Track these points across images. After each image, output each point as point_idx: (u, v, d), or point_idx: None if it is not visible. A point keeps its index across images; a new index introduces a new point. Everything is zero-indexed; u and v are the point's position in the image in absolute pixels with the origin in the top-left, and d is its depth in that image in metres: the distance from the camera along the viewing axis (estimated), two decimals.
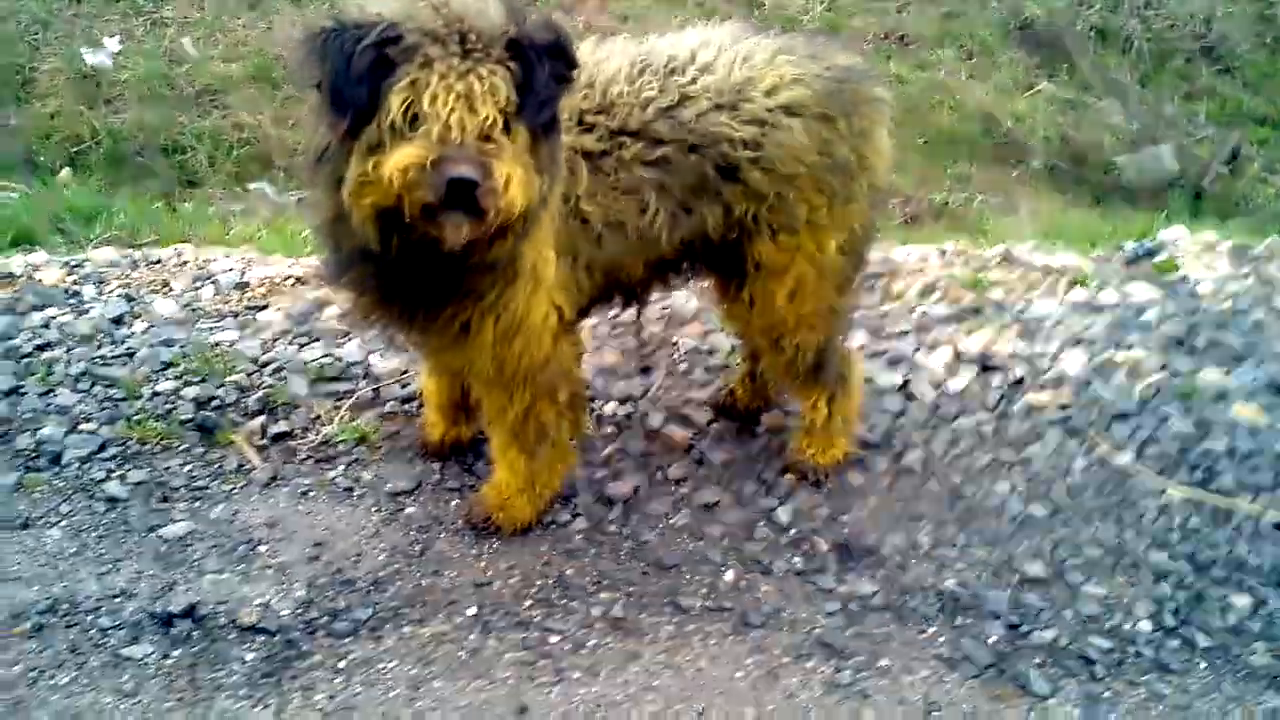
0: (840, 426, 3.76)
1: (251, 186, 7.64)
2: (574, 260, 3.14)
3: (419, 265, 2.76)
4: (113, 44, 8.70)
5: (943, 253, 5.35)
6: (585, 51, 3.19)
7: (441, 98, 2.55)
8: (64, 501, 3.55)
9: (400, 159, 2.54)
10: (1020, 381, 4.25)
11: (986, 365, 4.34)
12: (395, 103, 2.56)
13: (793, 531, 3.56)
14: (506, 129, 2.62)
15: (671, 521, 3.58)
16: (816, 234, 3.32)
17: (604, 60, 3.18)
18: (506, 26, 2.64)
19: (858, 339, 4.36)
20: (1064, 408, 4.11)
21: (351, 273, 2.97)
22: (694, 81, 3.16)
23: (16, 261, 4.91)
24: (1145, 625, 3.27)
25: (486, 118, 2.57)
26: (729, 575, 3.38)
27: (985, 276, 5.02)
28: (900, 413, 4.11)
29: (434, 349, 3.28)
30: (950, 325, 4.63)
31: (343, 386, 4.10)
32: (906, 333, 4.57)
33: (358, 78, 2.58)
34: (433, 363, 3.58)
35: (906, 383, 4.23)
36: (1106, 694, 3.06)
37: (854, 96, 3.31)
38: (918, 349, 4.44)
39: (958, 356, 4.40)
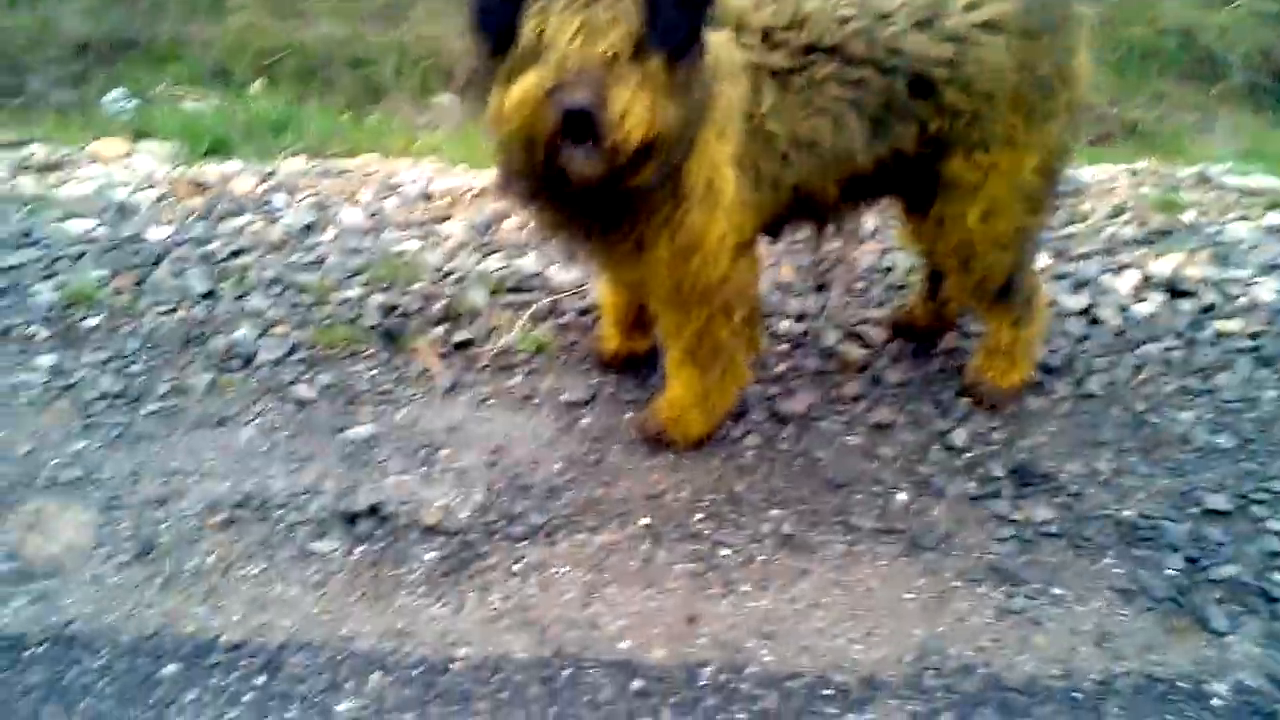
0: (1023, 350, 3.68)
1: (435, 99, 7.75)
2: (757, 178, 3.11)
3: (568, 190, 2.77)
4: None
5: (1133, 173, 5.18)
6: None
7: (565, 24, 2.53)
8: (256, 401, 3.70)
9: (519, 89, 2.55)
10: (1210, 308, 4.11)
11: (1175, 290, 4.20)
12: (528, 28, 2.57)
13: (967, 455, 3.51)
14: (637, 56, 2.59)
15: (845, 440, 3.56)
16: (1013, 152, 3.22)
17: None
18: None
19: (1042, 260, 4.25)
20: (1255, 336, 3.96)
21: (520, 184, 2.99)
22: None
23: (211, 170, 5.09)
24: None
25: (610, 44, 2.54)
26: (901, 497, 3.36)
27: (1178, 198, 4.85)
28: (1084, 337, 4.01)
29: (610, 265, 3.31)
30: (1139, 248, 4.49)
31: (522, 297, 4.16)
32: (1093, 255, 4.45)
33: (500, 1, 2.60)
34: (609, 277, 3.61)
35: (1091, 306, 4.12)
36: None
37: (1056, 12, 3.19)
38: (1104, 272, 4.32)
39: (1146, 280, 4.27)
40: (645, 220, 2.98)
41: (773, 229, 3.44)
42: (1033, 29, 3.12)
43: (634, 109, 2.53)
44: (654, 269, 3.09)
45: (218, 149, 5.77)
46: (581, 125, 2.52)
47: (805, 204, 3.30)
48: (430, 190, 4.94)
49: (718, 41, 2.91)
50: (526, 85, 2.54)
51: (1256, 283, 4.21)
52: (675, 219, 2.98)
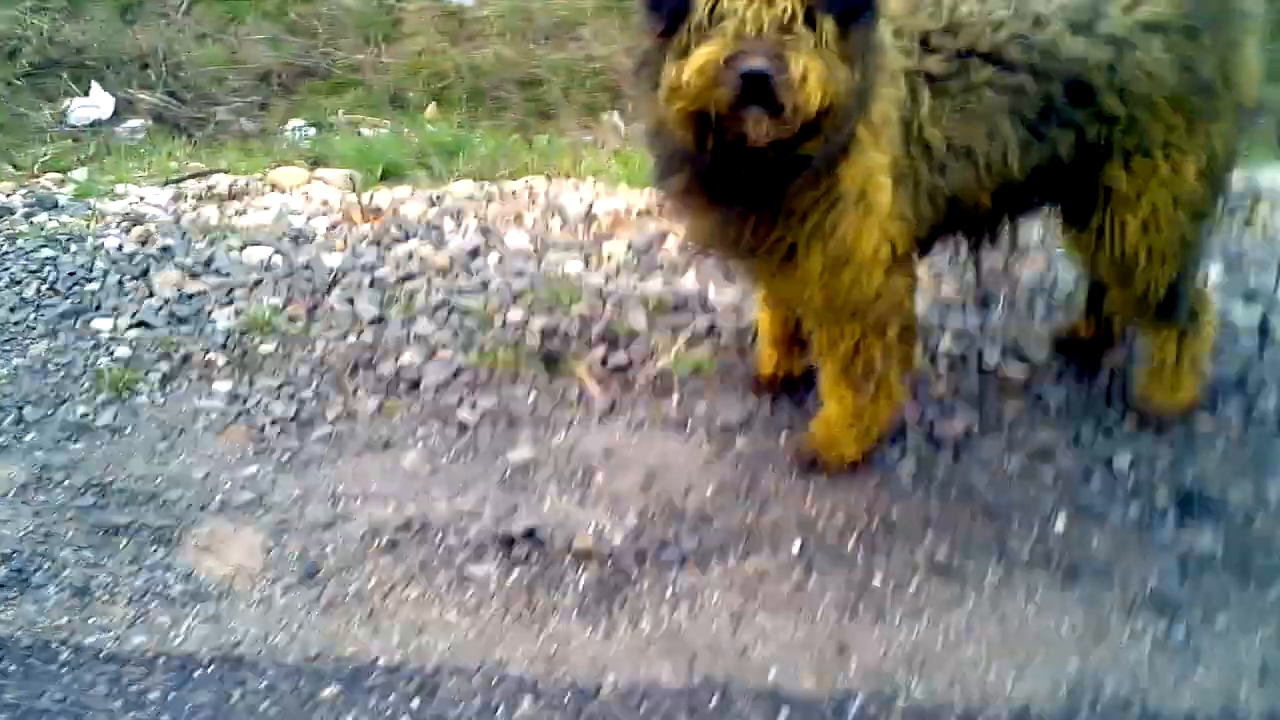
0: (1189, 368, 3.57)
1: (603, 117, 7.86)
2: (914, 188, 3.07)
3: (735, 167, 2.78)
4: None
5: None
6: None
7: None
8: (420, 425, 3.81)
9: (698, 58, 2.56)
10: None
11: None
12: (701, 2, 2.59)
13: (1131, 479, 3.43)
14: (811, 22, 2.58)
15: (1002, 464, 3.51)
16: (1174, 158, 3.13)
17: None
18: None
19: (1212, 272, 4.12)
20: None
21: (675, 179, 3.02)
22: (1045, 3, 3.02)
23: (383, 196, 5.25)
24: None
25: (784, 10, 2.55)
26: (1060, 523, 3.30)
27: None
28: (1257, 354, 3.87)
29: (762, 276, 3.31)
30: None
31: (681, 319, 4.19)
32: (1269, 265, 4.29)
33: None
34: (763, 292, 3.62)
35: (1265, 320, 3.98)
36: None
37: (1220, 7, 3.09)
38: None
39: None
40: (798, 227, 2.97)
41: (926, 242, 3.40)
42: (1194, 27, 3.03)
43: (812, 73, 2.54)
44: (806, 281, 3.08)
45: (391, 174, 5.95)
46: (761, 89, 2.54)
47: (960, 215, 3.25)
48: (593, 211, 5.01)
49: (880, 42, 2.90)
50: (705, 54, 2.57)
51: None
52: (827, 228, 2.97)
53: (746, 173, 2.79)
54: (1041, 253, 4.44)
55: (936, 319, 4.08)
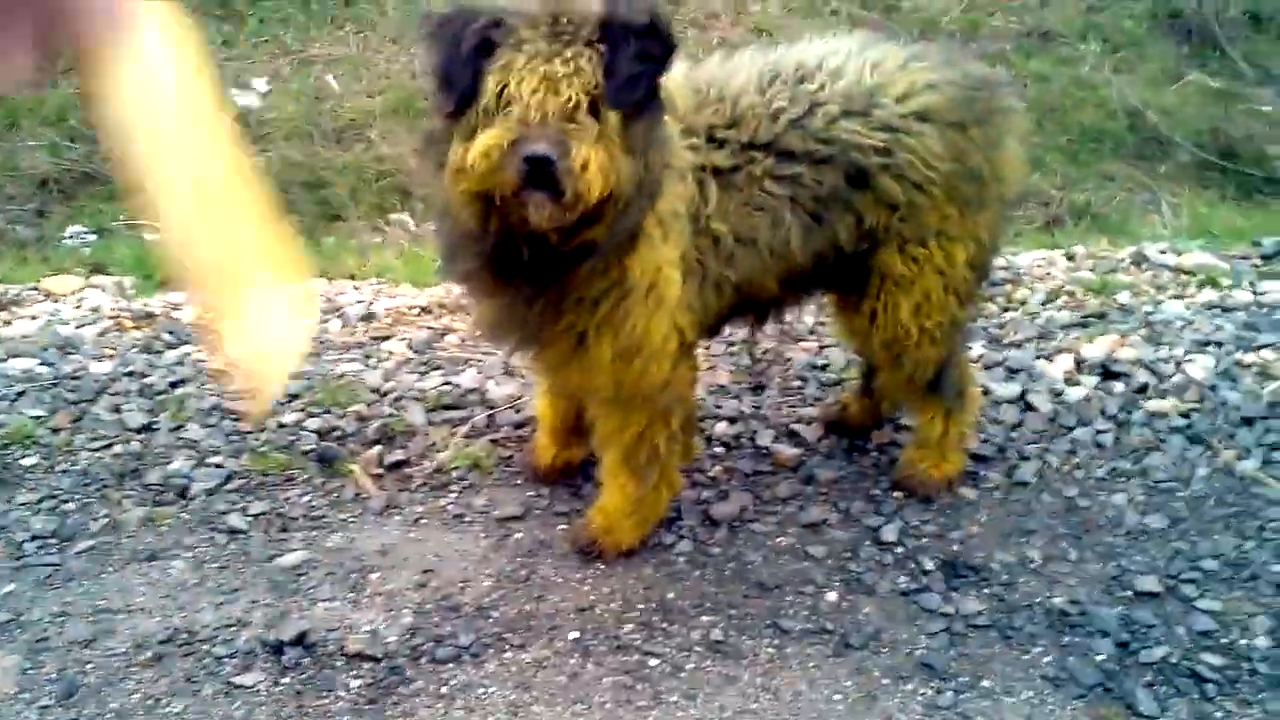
0: (955, 441, 3.70)
1: (392, 218, 7.84)
2: (702, 280, 3.14)
3: (519, 251, 2.79)
4: (261, 85, 9.03)
5: (1070, 257, 5.24)
6: (713, 64, 3.23)
7: (526, 80, 2.59)
8: (189, 534, 3.69)
9: (483, 141, 2.59)
10: (1144, 388, 4.14)
11: (1108, 372, 4.24)
12: (490, 85, 2.63)
13: (899, 550, 3.51)
14: (596, 112, 2.63)
15: (776, 541, 3.56)
16: (946, 245, 3.28)
17: (733, 73, 3.18)
18: (600, 9, 2.67)
19: (975, 349, 4.29)
20: (1187, 414, 3.99)
21: (462, 263, 3.02)
22: (823, 88, 3.14)
23: (157, 301, 5.13)
24: (1262, 641, 3.13)
25: (569, 99, 2.59)
26: (831, 596, 3.35)
27: (1113, 279, 4.91)
28: (1017, 424, 4.04)
29: (551, 365, 3.30)
30: (1073, 331, 4.54)
31: (459, 414, 4.17)
32: (1027, 341, 4.48)
33: (463, 62, 2.65)
34: (550, 381, 3.62)
35: (1025, 393, 4.15)
36: (1218, 714, 2.95)
37: (987, 104, 3.28)
38: (1038, 357, 4.35)
39: (1079, 364, 4.30)
40: (588, 316, 2.99)
41: (713, 328, 3.47)
42: (964, 120, 3.20)
43: (593, 161, 2.58)
44: (595, 370, 3.09)
45: (173, 280, 5.82)
46: (543, 174, 2.56)
47: (747, 301, 3.34)
48: (373, 310, 4.98)
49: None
50: (491, 137, 2.59)
51: (1189, 360, 4.25)
52: (618, 318, 3.00)
53: (531, 257, 2.80)
54: (813, 338, 4.57)
55: (711, 404, 4.15)
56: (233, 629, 3.29)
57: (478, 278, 3.04)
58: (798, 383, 4.35)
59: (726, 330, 3.73)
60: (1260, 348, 4.25)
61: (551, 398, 3.71)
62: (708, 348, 4.16)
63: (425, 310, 5.00)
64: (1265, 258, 5.11)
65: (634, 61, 2.66)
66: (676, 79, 2.99)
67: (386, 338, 4.76)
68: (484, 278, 3.01)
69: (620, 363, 3.07)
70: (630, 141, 2.69)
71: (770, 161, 3.09)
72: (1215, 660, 3.08)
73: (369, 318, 4.94)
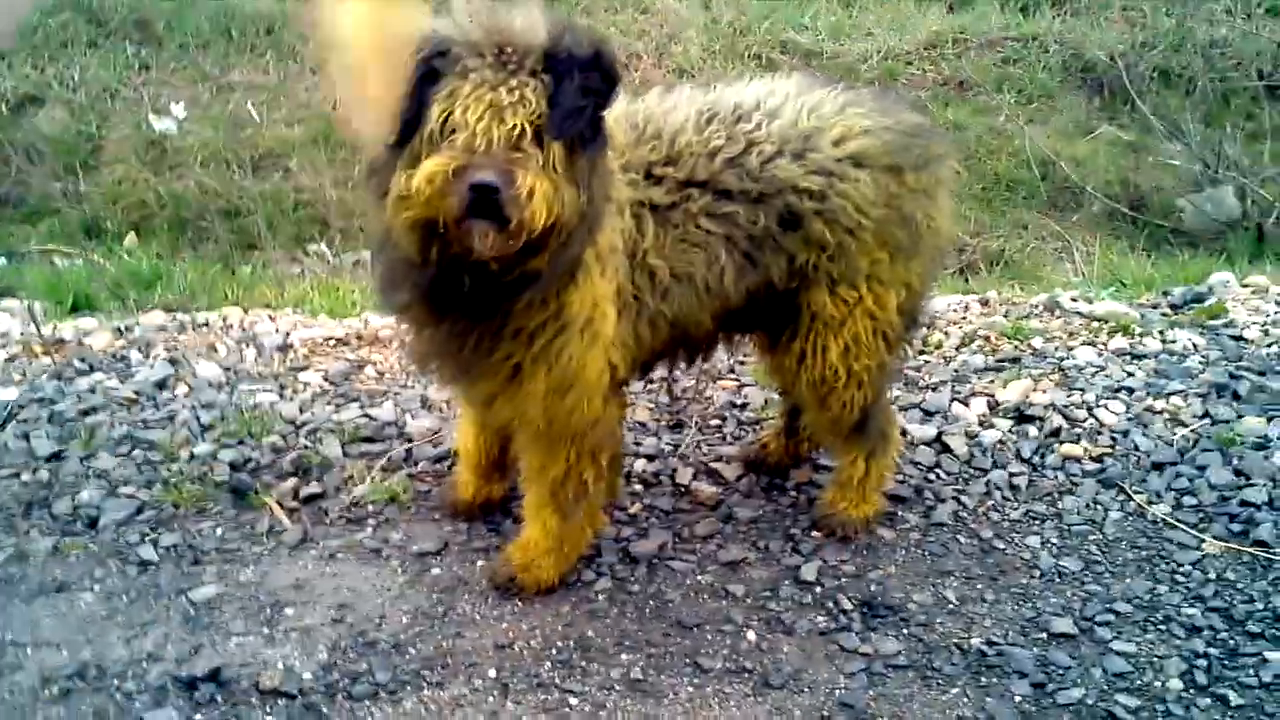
0: (875, 482, 3.73)
1: (310, 249, 7.78)
2: (637, 315, 3.14)
3: (460, 280, 2.77)
4: (179, 110, 8.92)
5: (984, 302, 5.32)
6: (652, 101, 3.24)
7: (472, 108, 2.59)
8: (98, 565, 3.60)
9: (428, 167, 2.58)
10: (1057, 432, 4.20)
11: (1023, 416, 4.30)
12: (434, 113, 2.62)
13: (818, 589, 3.52)
14: (540, 141, 2.63)
15: (696, 580, 3.56)
16: (876, 289, 3.31)
17: (671, 110, 3.20)
18: (545, 40, 2.67)
19: (893, 391, 4.33)
20: (1100, 458, 4.06)
21: (400, 293, 2.97)
22: (760, 128, 3.17)
23: (68, 327, 5.03)
24: (1176, 683, 3.17)
25: (514, 127, 2.59)
26: (750, 635, 3.34)
27: (1027, 325, 4.99)
28: (933, 466, 4.08)
29: (484, 397, 3.24)
30: (988, 375, 4.60)
31: (376, 447, 4.14)
32: (943, 384, 4.54)
33: (408, 90, 2.65)
34: (480, 413, 3.55)
35: (941, 435, 4.20)
36: None
37: (922, 152, 3.31)
38: (954, 400, 4.41)
39: (994, 407, 4.36)
40: (524, 349, 2.98)
41: (646, 365, 3.47)
42: (898, 166, 3.23)
43: (539, 190, 2.57)
44: (529, 403, 3.07)
45: (84, 305, 5.72)
46: (488, 202, 2.55)
47: (681, 339, 3.35)
48: (290, 341, 4.93)
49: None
50: (435, 164, 2.57)
51: (1101, 405, 4.32)
52: (554, 351, 2.99)
53: (471, 286, 2.78)
54: (732, 376, 4.59)
55: (631, 441, 4.14)
56: (143, 664, 3.22)
57: (416, 308, 3.00)
58: (717, 421, 4.37)
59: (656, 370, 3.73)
60: (1170, 394, 4.34)
61: (476, 432, 3.68)
62: (640, 380, 4.14)
63: (342, 342, 4.96)
64: (1174, 307, 5.23)
65: (578, 93, 2.66)
66: (615, 114, 3.00)
67: (303, 369, 4.71)
68: (422, 308, 2.98)
69: (554, 397, 3.05)
70: (573, 172, 2.70)
71: (707, 199, 3.11)
72: (1130, 702, 3.11)
73: (285, 348, 4.89)
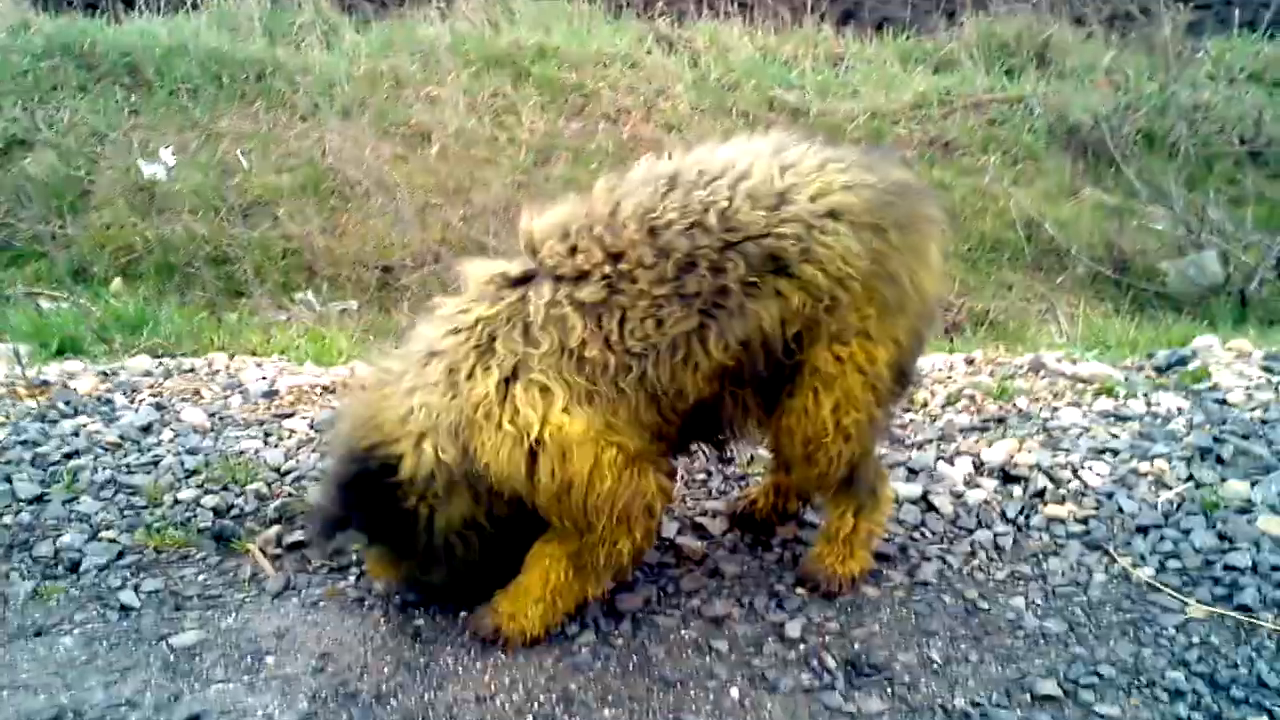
0: (863, 539, 3.70)
1: (296, 296, 7.79)
2: (620, 395, 3.15)
3: None
4: (168, 156, 8.96)
5: (970, 361, 5.34)
6: (600, 192, 3.27)
7: None
8: (78, 610, 3.59)
9: None
10: (1042, 493, 4.20)
11: (1008, 476, 4.30)
12: None
13: (802, 647, 3.50)
14: None
15: (680, 635, 3.54)
16: (866, 345, 3.29)
17: (622, 197, 3.22)
18: None
19: (878, 449, 4.33)
20: (1085, 520, 4.05)
21: None
22: (725, 190, 3.16)
23: (53, 370, 5.02)
24: None
25: None
26: (734, 692, 3.32)
27: (1012, 385, 5.00)
28: (919, 525, 4.07)
29: None
30: (973, 435, 4.60)
31: None
32: (929, 442, 4.55)
33: None
34: None
35: (926, 494, 4.20)
36: None
37: (908, 211, 3.30)
38: (939, 459, 4.41)
39: (979, 467, 4.37)
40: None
41: (678, 438, 3.45)
42: (882, 224, 3.22)
43: None
44: (539, 495, 3.19)
45: (69, 349, 5.72)
46: None
47: (698, 408, 3.32)
48: (276, 387, 4.92)
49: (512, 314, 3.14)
50: None
51: (1086, 467, 4.33)
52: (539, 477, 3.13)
53: None
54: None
55: None
56: (122, 710, 3.19)
57: None
58: (703, 475, 4.37)
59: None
60: (1155, 457, 4.35)
61: None
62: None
63: (328, 390, 4.95)
64: (1159, 369, 5.25)
65: None
66: (543, 226, 3.19)
67: (288, 416, 4.70)
68: None
69: (556, 502, 3.19)
70: None
71: (656, 271, 3.11)
72: None
73: (271, 395, 4.88)
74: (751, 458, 4.38)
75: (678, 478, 4.22)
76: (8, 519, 3.96)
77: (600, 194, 3.23)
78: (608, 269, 3.11)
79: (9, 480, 4.14)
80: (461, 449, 3.12)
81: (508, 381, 3.08)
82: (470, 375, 3.10)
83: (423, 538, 3.30)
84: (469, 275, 3.28)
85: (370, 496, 3.22)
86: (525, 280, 3.17)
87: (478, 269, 3.28)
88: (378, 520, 3.29)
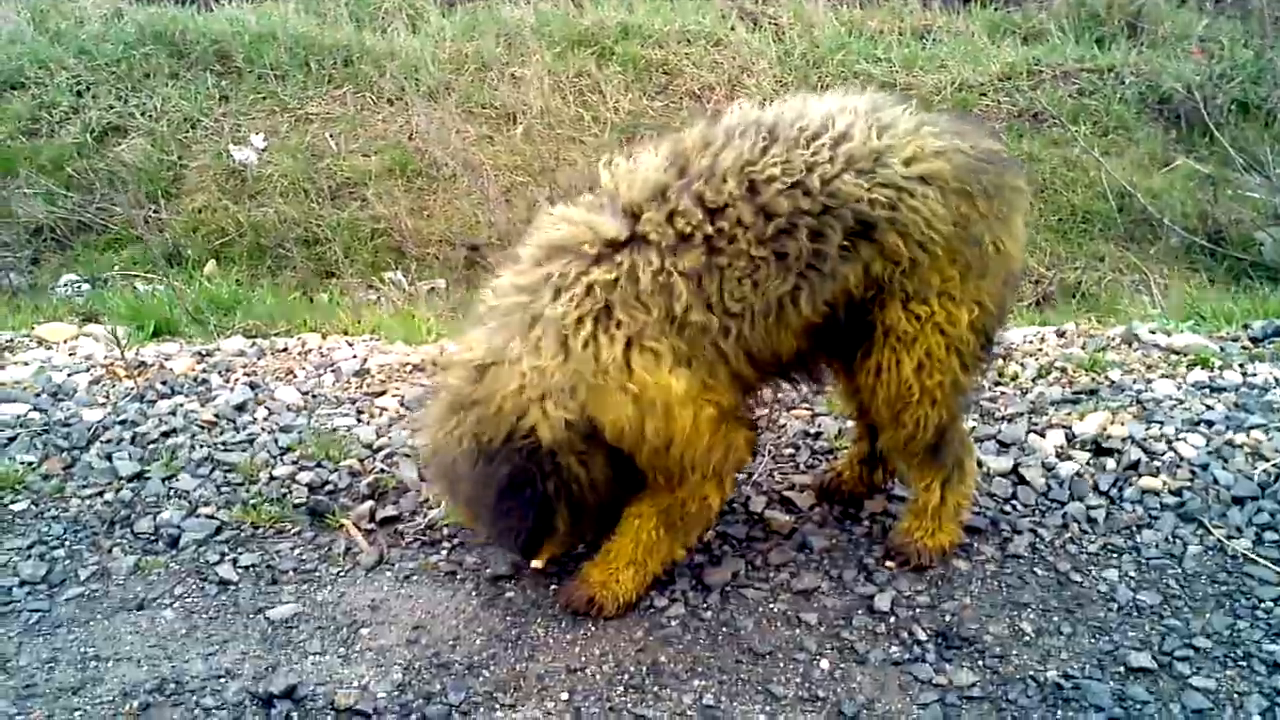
0: (951, 512, 3.69)
1: (386, 276, 7.87)
2: (712, 355, 3.18)
3: None
4: (258, 141, 9.09)
5: (1061, 333, 5.27)
6: (695, 136, 3.27)
7: None
8: (178, 584, 3.67)
9: None
10: (1135, 465, 4.14)
11: (1100, 448, 4.24)
12: None
13: (892, 619, 3.49)
14: None
15: (769, 607, 3.54)
16: (948, 305, 3.30)
17: (721, 149, 3.21)
18: None
19: (968, 422, 4.29)
20: (1179, 492, 3.99)
21: None
22: (826, 148, 3.17)
23: (150, 351, 5.13)
24: None
25: None
26: (824, 664, 3.33)
27: (1104, 357, 4.93)
28: (1010, 498, 4.04)
29: None
30: (1065, 407, 4.55)
31: None
32: (1019, 415, 4.50)
33: None
34: None
35: (1017, 466, 4.15)
36: None
37: (995, 179, 3.31)
38: (1030, 432, 4.37)
39: (1070, 440, 4.31)
40: None
41: (751, 389, 3.50)
42: (970, 189, 3.23)
43: None
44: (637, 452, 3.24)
45: (165, 330, 5.83)
46: None
47: (776, 363, 3.37)
48: (367, 366, 4.99)
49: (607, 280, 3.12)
50: None
51: (1180, 439, 4.25)
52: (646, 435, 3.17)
53: None
54: (805, 405, 4.58)
55: None
56: (221, 680, 3.27)
57: None
58: (790, 450, 4.36)
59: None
60: (1251, 428, 4.27)
61: None
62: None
63: (418, 368, 5.00)
64: (1254, 340, 5.15)
65: None
66: (639, 187, 3.18)
67: (380, 394, 4.77)
68: None
69: (655, 454, 3.22)
70: None
71: (756, 231, 3.12)
72: None
73: (363, 373, 4.95)
74: (839, 431, 4.36)
75: (764, 451, 4.24)
76: (109, 496, 4.06)
77: (695, 146, 3.24)
78: (708, 228, 3.12)
79: (110, 459, 4.25)
80: (579, 408, 3.14)
81: (628, 346, 3.09)
82: (587, 341, 3.09)
83: (589, 491, 3.30)
84: (554, 231, 3.26)
85: (535, 482, 3.21)
86: (626, 244, 3.17)
87: (564, 226, 3.26)
88: (551, 499, 3.26)
